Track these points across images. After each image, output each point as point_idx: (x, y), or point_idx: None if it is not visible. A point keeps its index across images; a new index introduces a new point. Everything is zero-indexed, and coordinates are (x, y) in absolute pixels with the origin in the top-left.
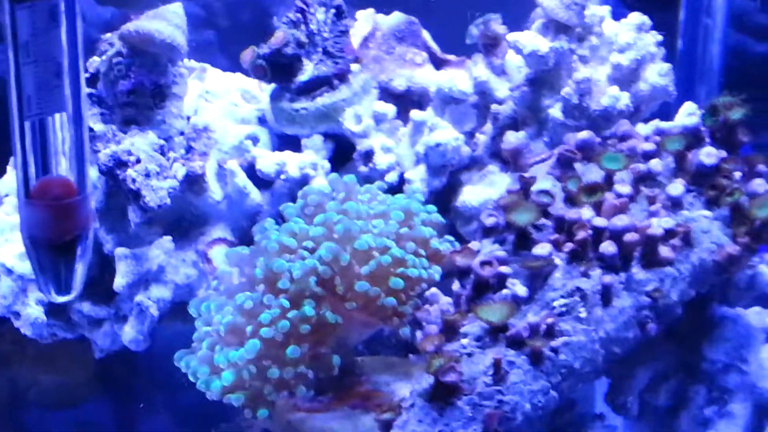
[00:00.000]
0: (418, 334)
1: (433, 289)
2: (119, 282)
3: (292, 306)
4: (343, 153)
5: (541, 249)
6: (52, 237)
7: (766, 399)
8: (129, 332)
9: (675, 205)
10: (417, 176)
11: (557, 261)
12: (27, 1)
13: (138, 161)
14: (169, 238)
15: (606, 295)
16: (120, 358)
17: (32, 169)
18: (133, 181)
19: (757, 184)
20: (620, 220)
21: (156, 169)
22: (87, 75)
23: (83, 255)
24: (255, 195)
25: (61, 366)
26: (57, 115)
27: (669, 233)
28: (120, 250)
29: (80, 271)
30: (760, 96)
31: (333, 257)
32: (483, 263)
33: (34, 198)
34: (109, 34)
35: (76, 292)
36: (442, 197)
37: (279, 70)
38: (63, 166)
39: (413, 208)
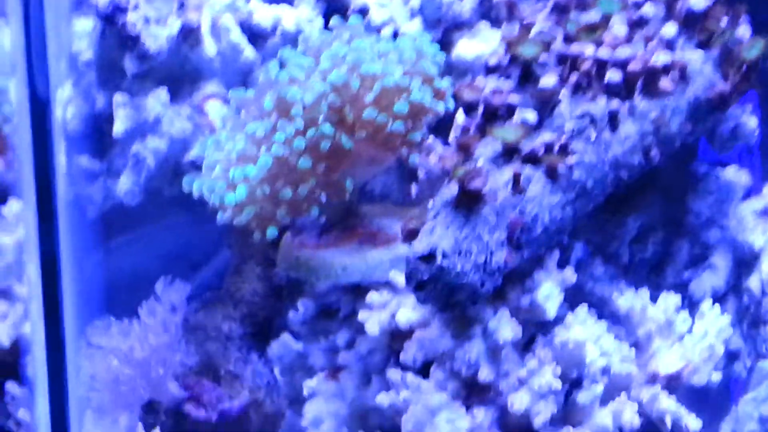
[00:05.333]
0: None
1: (431, 139)
2: (118, 128)
3: (306, 129)
4: (336, 11)
5: (547, 80)
6: None
7: (745, 252)
8: (125, 183)
9: (668, 46)
10: (413, 30)
11: (563, 92)
12: None
13: (137, 7)
14: (164, 88)
15: (613, 120)
16: None
17: None
18: (134, 26)
19: (744, 30)
20: (623, 51)
21: (155, 15)
22: None
23: None
24: (249, 52)
25: None
26: None
27: (666, 68)
28: (119, 97)
29: None
30: None
31: (343, 84)
32: (494, 92)
33: None
34: None
35: None
36: None
37: None
38: None
39: (424, 49)
